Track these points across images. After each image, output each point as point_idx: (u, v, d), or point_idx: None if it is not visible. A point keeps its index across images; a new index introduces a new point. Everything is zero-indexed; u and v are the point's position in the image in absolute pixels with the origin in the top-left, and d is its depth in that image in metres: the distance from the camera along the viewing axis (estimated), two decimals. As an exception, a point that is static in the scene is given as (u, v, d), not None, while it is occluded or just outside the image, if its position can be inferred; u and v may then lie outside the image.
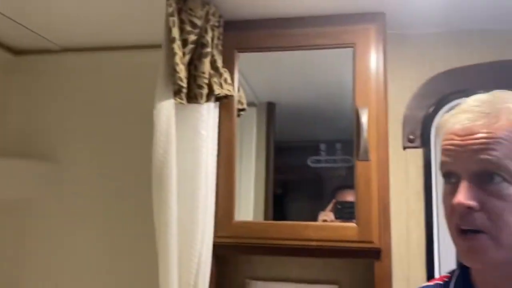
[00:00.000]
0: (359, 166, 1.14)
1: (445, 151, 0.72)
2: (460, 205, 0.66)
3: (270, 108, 1.39)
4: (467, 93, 1.28)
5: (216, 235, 1.16)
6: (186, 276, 1.06)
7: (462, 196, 0.66)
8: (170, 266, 1.03)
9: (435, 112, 1.28)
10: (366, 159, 1.13)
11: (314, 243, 1.13)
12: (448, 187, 0.72)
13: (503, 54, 1.29)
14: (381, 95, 1.17)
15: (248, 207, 1.33)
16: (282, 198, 1.37)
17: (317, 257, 1.24)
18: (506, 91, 0.75)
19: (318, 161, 1.33)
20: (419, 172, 1.28)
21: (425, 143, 1.28)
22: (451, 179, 0.71)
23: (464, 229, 0.68)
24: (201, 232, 1.09)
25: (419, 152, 1.29)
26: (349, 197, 1.22)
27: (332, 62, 1.30)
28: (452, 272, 0.83)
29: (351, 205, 1.16)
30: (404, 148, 1.30)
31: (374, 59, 1.18)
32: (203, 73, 1.12)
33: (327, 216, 1.24)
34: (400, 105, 1.31)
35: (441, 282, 0.83)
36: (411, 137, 1.29)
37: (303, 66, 1.35)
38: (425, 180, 1.27)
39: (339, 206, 1.24)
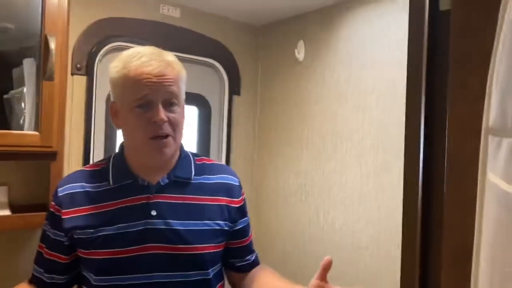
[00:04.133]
0: (45, 85, 1.36)
1: (145, 87, 1.10)
2: (162, 120, 1.10)
3: None
4: (123, 38, 1.71)
5: None
6: None
7: (162, 114, 1.10)
8: None
9: (99, 48, 1.64)
10: (52, 79, 1.37)
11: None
12: (140, 111, 1.13)
13: (153, 15, 1.78)
14: (65, 28, 1.41)
15: None
16: None
17: (2, 160, 1.38)
18: (160, 50, 1.18)
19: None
20: (82, 95, 1.62)
21: (89, 72, 1.62)
22: (146, 106, 1.12)
23: (156, 135, 1.13)
24: None
25: (83, 78, 1.62)
26: None
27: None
28: (106, 159, 1.22)
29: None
30: (72, 74, 1.59)
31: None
32: None
33: None
34: (72, 38, 1.58)
35: (99, 168, 1.20)
36: (79, 65, 1.60)
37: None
38: (87, 100, 1.62)
39: None
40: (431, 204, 1.24)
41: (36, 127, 1.36)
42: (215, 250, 1.20)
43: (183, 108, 1.18)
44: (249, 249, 1.33)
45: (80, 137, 1.61)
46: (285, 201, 1.94)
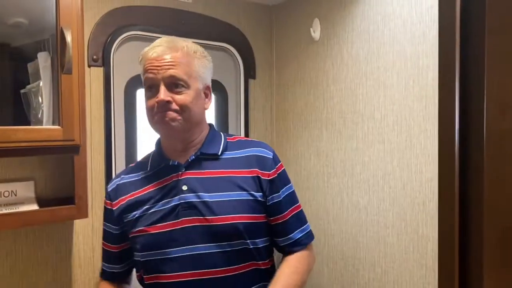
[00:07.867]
0: (64, 79, 1.35)
1: (149, 71, 1.17)
2: (161, 100, 1.13)
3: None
4: (137, 27, 1.69)
5: None
6: None
7: (162, 95, 1.14)
8: None
9: (114, 39, 1.62)
10: (70, 73, 1.36)
11: (24, 144, 1.29)
12: (149, 94, 1.18)
13: (165, 2, 1.76)
14: (79, 20, 1.40)
15: None
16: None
17: (27, 156, 1.39)
18: (179, 38, 1.25)
19: None
20: (100, 86, 1.61)
21: (105, 63, 1.61)
22: (152, 88, 1.17)
23: (161, 114, 1.15)
24: None
25: (100, 70, 1.61)
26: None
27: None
28: (148, 155, 1.31)
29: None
30: (89, 66, 1.58)
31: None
32: None
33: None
34: (86, 30, 1.57)
35: (141, 161, 1.32)
36: (95, 57, 1.59)
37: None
38: (105, 92, 1.62)
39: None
40: (468, 183, 1.21)
41: (56, 121, 1.37)
42: (251, 221, 1.19)
43: (195, 90, 1.20)
44: (285, 229, 1.28)
45: (101, 128, 1.61)
46: (307, 184, 1.93)
